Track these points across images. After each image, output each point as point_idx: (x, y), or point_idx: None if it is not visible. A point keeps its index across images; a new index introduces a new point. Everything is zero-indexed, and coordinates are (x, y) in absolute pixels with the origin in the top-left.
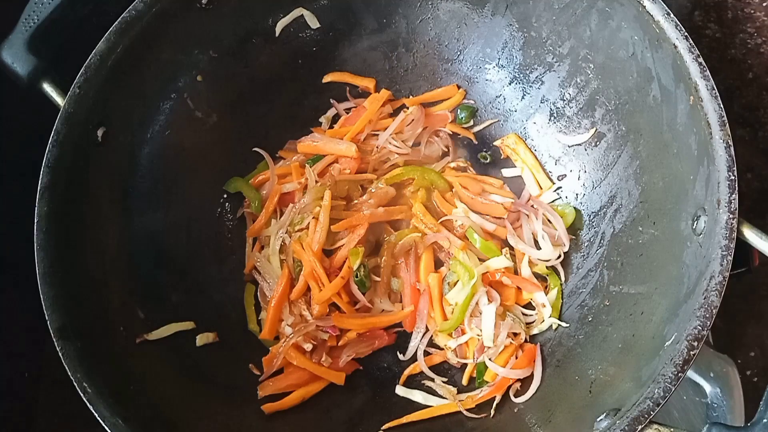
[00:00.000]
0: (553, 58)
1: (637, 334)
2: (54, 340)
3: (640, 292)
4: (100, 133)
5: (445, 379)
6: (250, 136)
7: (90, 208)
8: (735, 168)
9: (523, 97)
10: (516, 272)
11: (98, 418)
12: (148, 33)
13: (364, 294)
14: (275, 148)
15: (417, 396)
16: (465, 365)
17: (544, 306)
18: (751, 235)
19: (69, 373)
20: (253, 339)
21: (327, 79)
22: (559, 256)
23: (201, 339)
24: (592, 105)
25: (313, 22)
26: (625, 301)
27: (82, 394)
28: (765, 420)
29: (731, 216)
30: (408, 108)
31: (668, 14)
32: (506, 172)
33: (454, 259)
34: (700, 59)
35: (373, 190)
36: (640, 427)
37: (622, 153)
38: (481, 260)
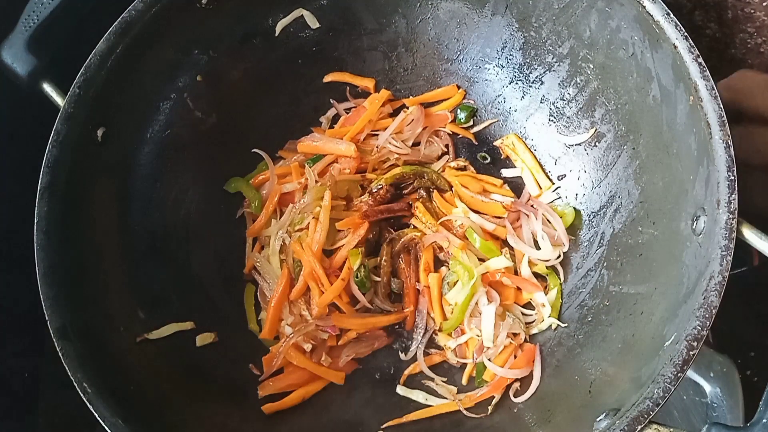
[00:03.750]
0: (553, 58)
1: (636, 334)
2: (54, 340)
3: (639, 292)
4: (100, 133)
5: (445, 379)
6: (250, 136)
7: (90, 208)
8: (735, 168)
9: (522, 97)
10: (516, 272)
11: (98, 418)
12: (148, 33)
13: (364, 294)
14: (275, 148)
15: (417, 395)
16: (465, 365)
17: (544, 306)
18: (751, 235)
19: (69, 373)
20: (253, 339)
21: (327, 79)
22: (559, 256)
23: (201, 339)
24: (592, 105)
25: (313, 22)
26: (624, 301)
27: (82, 394)
28: (765, 420)
29: (731, 216)
30: (408, 108)
31: (668, 14)
32: (506, 172)
33: (453, 259)
34: (700, 59)
35: (373, 190)
36: (639, 427)
37: (622, 153)
38: (481, 260)
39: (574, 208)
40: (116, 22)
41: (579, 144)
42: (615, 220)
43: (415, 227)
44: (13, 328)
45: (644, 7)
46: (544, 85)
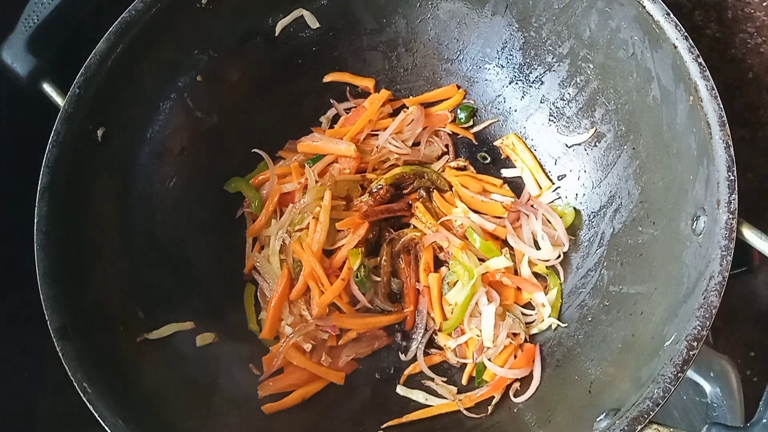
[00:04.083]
0: (552, 58)
1: (636, 334)
2: (54, 340)
3: (639, 292)
4: (100, 133)
5: (445, 379)
6: (250, 136)
7: (90, 208)
8: (735, 168)
9: (522, 97)
10: (516, 272)
11: (98, 418)
12: (148, 33)
13: (364, 294)
14: (275, 148)
15: (417, 395)
16: (465, 365)
17: (544, 306)
18: (751, 235)
19: (69, 373)
20: (253, 339)
21: (327, 79)
22: (559, 256)
23: (201, 339)
24: (592, 105)
25: (313, 22)
26: (624, 301)
27: (82, 394)
28: (765, 420)
29: (731, 216)
30: (408, 108)
31: (668, 14)
32: (506, 173)
33: (453, 259)
34: (700, 59)
35: (373, 190)
36: (639, 427)
37: (622, 153)
38: (481, 260)
39: (574, 208)
40: (116, 22)
41: (579, 144)
42: (615, 220)
43: (415, 227)
44: (13, 328)
45: (644, 7)
46: (544, 85)
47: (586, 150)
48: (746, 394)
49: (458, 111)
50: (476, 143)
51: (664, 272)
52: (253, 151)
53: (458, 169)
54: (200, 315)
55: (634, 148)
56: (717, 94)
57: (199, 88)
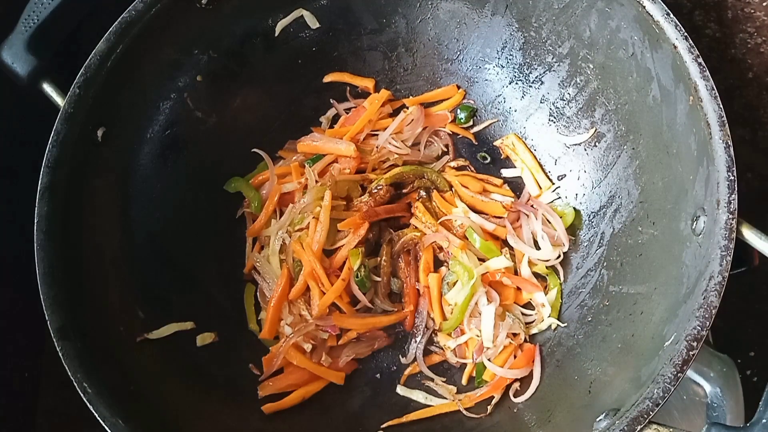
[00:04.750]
0: (552, 58)
1: (636, 334)
2: (54, 340)
3: (639, 292)
4: (100, 133)
5: (445, 379)
6: (250, 136)
7: (90, 208)
8: (734, 168)
9: (522, 97)
10: (516, 272)
11: (98, 418)
12: (148, 33)
13: (364, 294)
14: (275, 148)
15: (417, 395)
16: (465, 365)
17: (544, 306)
18: (751, 236)
19: (69, 373)
20: (253, 339)
21: (327, 79)
22: (559, 256)
23: (201, 339)
24: (592, 105)
25: (313, 22)
26: (624, 301)
27: (82, 394)
28: (764, 420)
29: (731, 216)
30: (408, 108)
31: (668, 14)
32: (506, 173)
33: (453, 259)
34: (700, 59)
35: (373, 190)
36: (639, 427)
37: (622, 153)
38: (481, 260)
39: (574, 208)
40: (116, 22)
41: (579, 144)
42: (615, 220)
43: (415, 227)
44: (13, 328)
45: (644, 7)
46: (544, 85)
47: (586, 150)
48: (746, 394)
49: (458, 111)
50: (476, 143)
51: (663, 272)
52: (253, 151)
53: (458, 169)
54: (200, 315)
55: (634, 148)
56: (717, 94)
57: (199, 88)
